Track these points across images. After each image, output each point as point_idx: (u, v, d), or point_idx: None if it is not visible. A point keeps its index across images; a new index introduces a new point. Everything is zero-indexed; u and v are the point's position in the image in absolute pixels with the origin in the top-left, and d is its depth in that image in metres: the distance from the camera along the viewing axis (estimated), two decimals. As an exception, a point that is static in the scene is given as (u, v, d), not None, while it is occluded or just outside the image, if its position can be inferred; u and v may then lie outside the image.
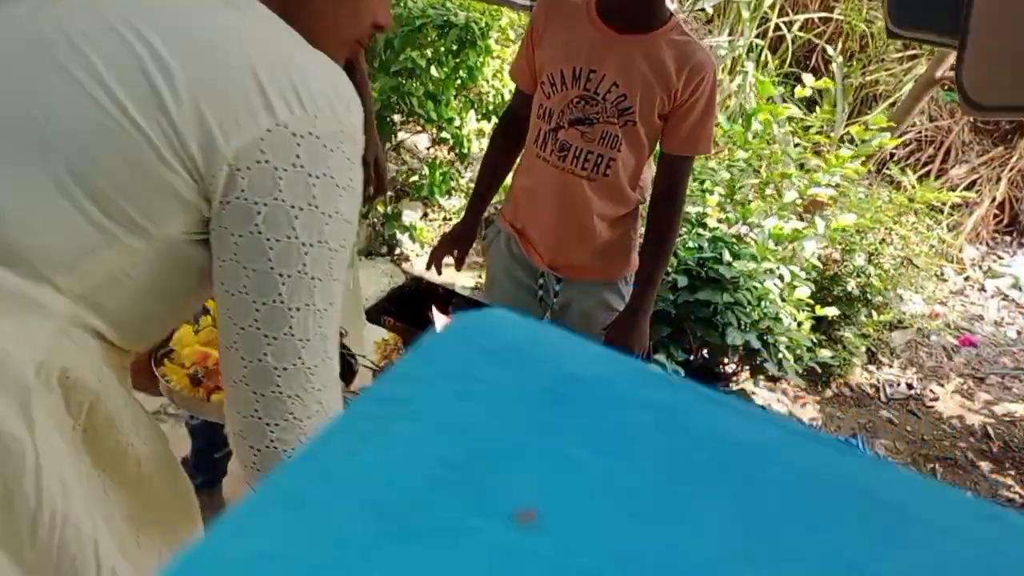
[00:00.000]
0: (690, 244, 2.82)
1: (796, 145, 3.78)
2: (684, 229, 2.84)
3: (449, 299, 1.53)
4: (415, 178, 3.40)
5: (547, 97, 1.61)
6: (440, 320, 1.50)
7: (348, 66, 2.14)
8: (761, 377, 2.99)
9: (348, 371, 1.48)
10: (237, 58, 0.65)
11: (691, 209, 2.93)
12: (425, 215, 3.80)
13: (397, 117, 3.18)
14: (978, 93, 1.72)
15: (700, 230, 2.83)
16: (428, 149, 4.04)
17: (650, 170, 1.76)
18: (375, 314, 1.50)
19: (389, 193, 3.86)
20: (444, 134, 3.21)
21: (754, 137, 3.11)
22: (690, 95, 1.55)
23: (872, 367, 3.33)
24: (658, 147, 1.68)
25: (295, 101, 0.65)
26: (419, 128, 3.57)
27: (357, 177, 0.71)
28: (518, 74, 1.72)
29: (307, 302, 0.69)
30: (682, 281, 2.71)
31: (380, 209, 3.55)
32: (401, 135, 3.81)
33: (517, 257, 1.78)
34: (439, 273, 1.91)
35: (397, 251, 3.62)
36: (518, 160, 1.82)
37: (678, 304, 2.74)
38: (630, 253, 1.78)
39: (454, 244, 1.86)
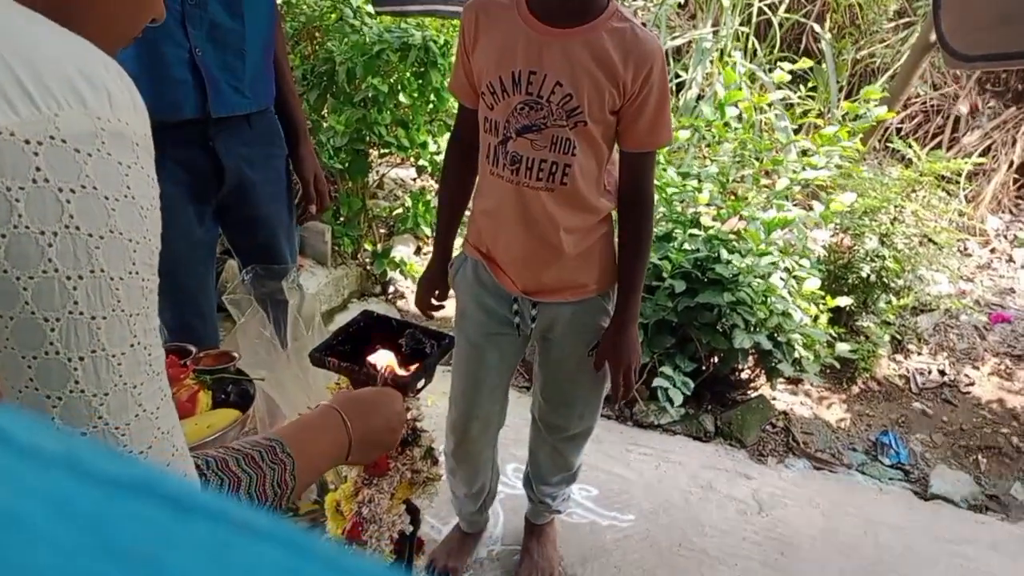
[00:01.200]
0: (685, 246, 2.66)
1: (796, 131, 3.61)
2: (677, 230, 2.69)
3: (402, 331, 1.39)
4: (399, 210, 3.28)
5: (490, 108, 1.47)
6: (381, 358, 1.36)
7: (288, 118, 2.04)
8: (779, 380, 2.80)
9: (246, 397, 1.34)
10: None
11: (682, 209, 2.77)
12: (419, 249, 3.68)
13: (374, 152, 3.08)
14: (960, 42, 1.57)
15: (694, 230, 2.67)
16: (414, 180, 3.94)
17: (614, 172, 1.62)
18: (320, 355, 1.37)
19: (382, 230, 3.78)
20: (421, 161, 3.10)
21: (742, 126, 2.94)
22: (641, 85, 1.41)
23: (899, 356, 3.12)
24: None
25: (22, 98, 0.51)
26: (398, 161, 3.47)
27: (140, 185, 0.57)
28: (458, 90, 1.58)
29: (92, 348, 0.56)
30: (680, 286, 2.55)
31: (369, 248, 3.44)
32: (382, 168, 3.71)
33: (487, 284, 1.64)
34: (431, 318, 1.82)
35: (391, 289, 3.51)
36: (476, 182, 1.70)
37: (679, 311, 2.58)
38: (608, 264, 1.64)
39: (432, 287, 1.75)
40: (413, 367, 1.35)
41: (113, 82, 0.55)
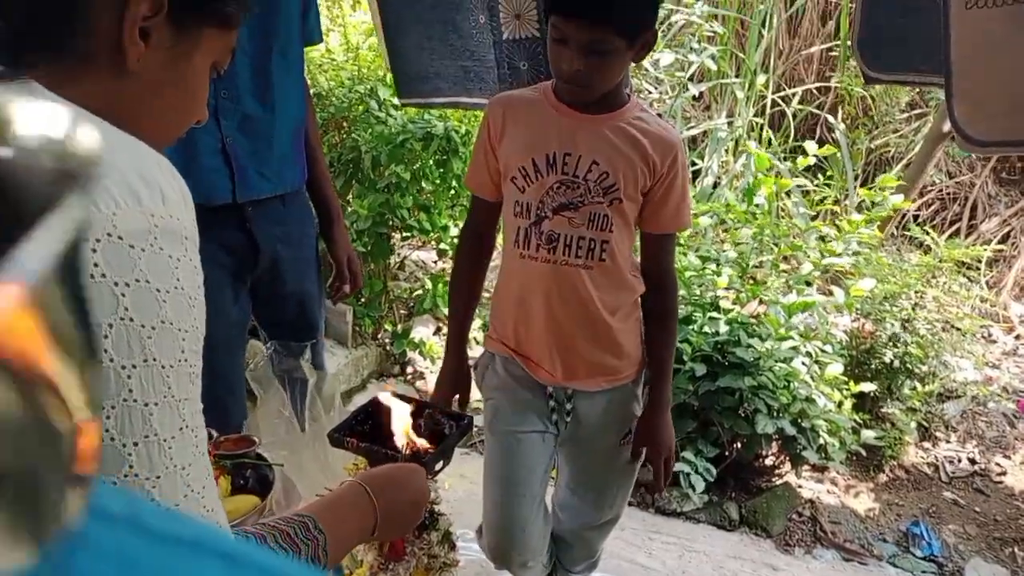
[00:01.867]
0: (705, 329, 2.66)
1: (813, 218, 3.65)
2: (696, 314, 2.69)
3: (421, 412, 1.40)
4: (419, 292, 3.33)
5: (521, 191, 1.50)
6: (399, 422, 1.36)
7: (320, 200, 2.10)
8: (805, 467, 2.74)
9: (264, 483, 1.33)
10: None
11: (701, 292, 2.78)
12: (438, 330, 3.71)
13: (396, 235, 3.15)
14: (974, 128, 1.61)
15: (714, 313, 2.68)
16: (435, 262, 4.00)
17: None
18: (339, 435, 1.37)
19: (402, 311, 3.82)
20: (442, 244, 3.16)
21: (759, 212, 2.99)
22: (668, 169, 1.48)
23: (927, 444, 3.05)
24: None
25: None
26: (419, 243, 3.53)
27: (188, 276, 0.60)
28: (477, 183, 1.61)
29: (145, 434, 0.58)
30: (700, 369, 2.54)
31: (389, 328, 3.47)
32: (404, 251, 3.78)
33: (520, 379, 1.62)
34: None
35: (410, 370, 3.51)
36: (487, 276, 1.72)
37: (700, 395, 2.56)
38: (639, 349, 1.64)
39: (454, 388, 1.70)
40: (432, 448, 1.35)
41: (166, 180, 0.59)
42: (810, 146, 3.02)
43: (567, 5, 1.33)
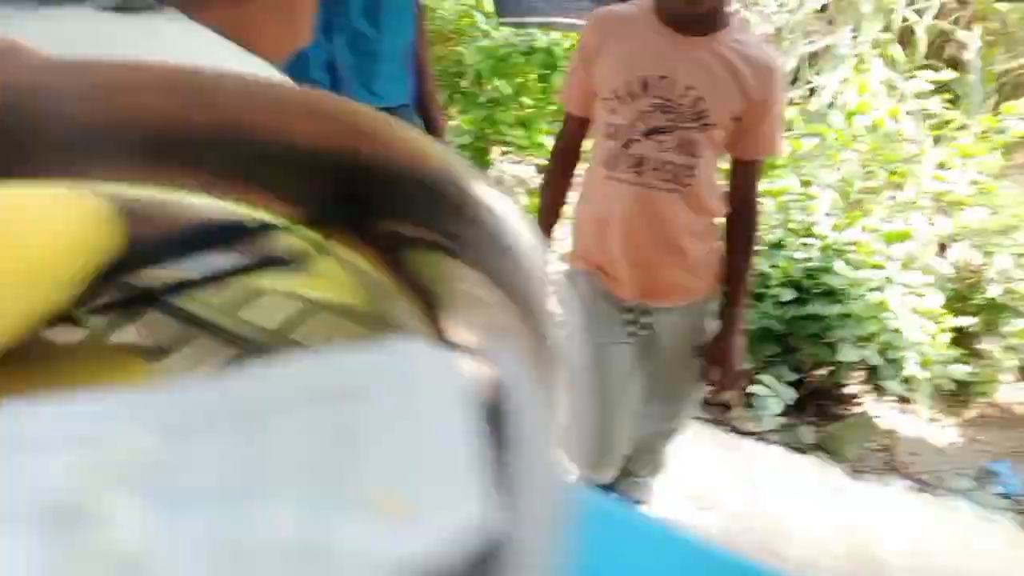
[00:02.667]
0: (797, 255, 2.65)
1: (936, 143, 3.47)
2: (789, 238, 2.68)
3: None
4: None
5: (613, 112, 1.53)
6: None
7: (426, 117, 2.18)
8: (888, 397, 2.74)
9: None
10: None
11: (797, 216, 2.76)
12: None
13: (496, 149, 3.24)
14: None
15: (807, 239, 2.66)
16: (533, 178, 4.08)
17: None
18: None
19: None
20: (541, 160, 3.23)
21: (868, 135, 2.88)
22: (764, 96, 1.48)
23: (1025, 384, 2.96)
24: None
25: None
26: (518, 159, 3.61)
27: None
28: (571, 99, 1.64)
29: None
30: (787, 295, 2.55)
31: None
32: (503, 165, 3.88)
33: (601, 294, 1.68)
34: None
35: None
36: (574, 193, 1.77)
37: (786, 320, 2.58)
38: (716, 271, 1.69)
39: None
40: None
41: None
42: (925, 74, 2.86)
43: None
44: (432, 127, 2.13)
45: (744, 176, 1.59)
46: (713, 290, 1.68)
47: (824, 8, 4.20)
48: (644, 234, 1.57)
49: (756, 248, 1.67)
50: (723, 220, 1.64)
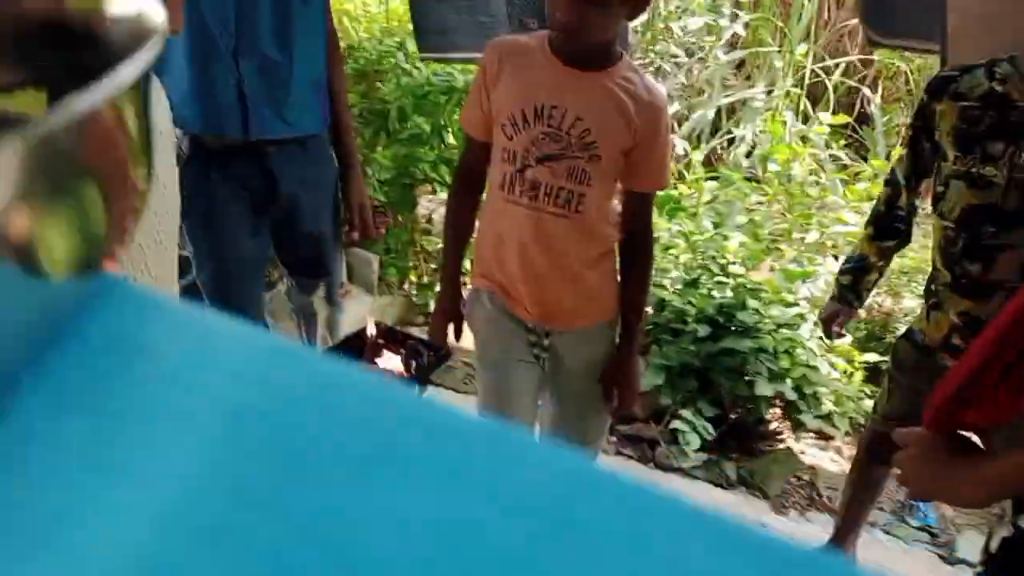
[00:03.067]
0: (713, 293, 2.70)
1: (843, 188, 3.62)
2: (704, 276, 2.73)
3: (404, 342, 1.50)
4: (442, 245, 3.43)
5: (509, 138, 1.58)
6: (388, 361, 1.46)
7: (340, 146, 2.16)
8: (808, 434, 2.77)
9: None
10: None
11: (711, 255, 2.82)
12: (464, 284, 3.81)
13: (422, 188, 3.24)
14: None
15: (721, 277, 2.71)
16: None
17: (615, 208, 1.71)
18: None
19: (431, 266, 3.93)
20: (466, 199, 3.24)
21: (777, 181, 2.99)
22: (650, 131, 1.54)
23: (938, 420, 3.04)
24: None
25: None
26: (443, 198, 3.63)
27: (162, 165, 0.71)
28: (471, 123, 1.68)
29: None
30: (703, 331, 2.58)
31: (414, 279, 3.59)
32: (432, 205, 3.88)
33: (504, 310, 1.71)
34: (445, 343, 1.85)
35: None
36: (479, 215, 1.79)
37: (702, 356, 2.61)
38: (613, 295, 1.72)
39: (448, 318, 1.80)
40: (405, 373, 1.45)
41: None
42: (823, 116, 3.00)
43: None
44: (344, 157, 2.11)
45: (635, 206, 1.64)
46: (610, 315, 1.71)
47: (741, 64, 4.40)
48: (539, 258, 1.60)
49: (650, 276, 1.72)
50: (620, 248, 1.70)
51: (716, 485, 2.60)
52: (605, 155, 1.52)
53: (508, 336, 1.72)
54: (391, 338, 1.53)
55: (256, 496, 0.17)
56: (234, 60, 1.81)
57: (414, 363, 1.47)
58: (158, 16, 0.30)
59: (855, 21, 4.25)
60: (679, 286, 2.70)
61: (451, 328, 1.80)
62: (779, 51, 4.00)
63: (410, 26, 3.11)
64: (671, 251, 2.85)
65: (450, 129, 2.89)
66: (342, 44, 3.11)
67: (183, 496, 0.17)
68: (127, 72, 0.25)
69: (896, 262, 2.98)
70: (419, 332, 3.55)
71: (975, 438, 1.03)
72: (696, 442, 2.55)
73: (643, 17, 3.51)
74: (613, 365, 1.72)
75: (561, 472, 0.19)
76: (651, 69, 3.82)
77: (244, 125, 1.84)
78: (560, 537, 0.19)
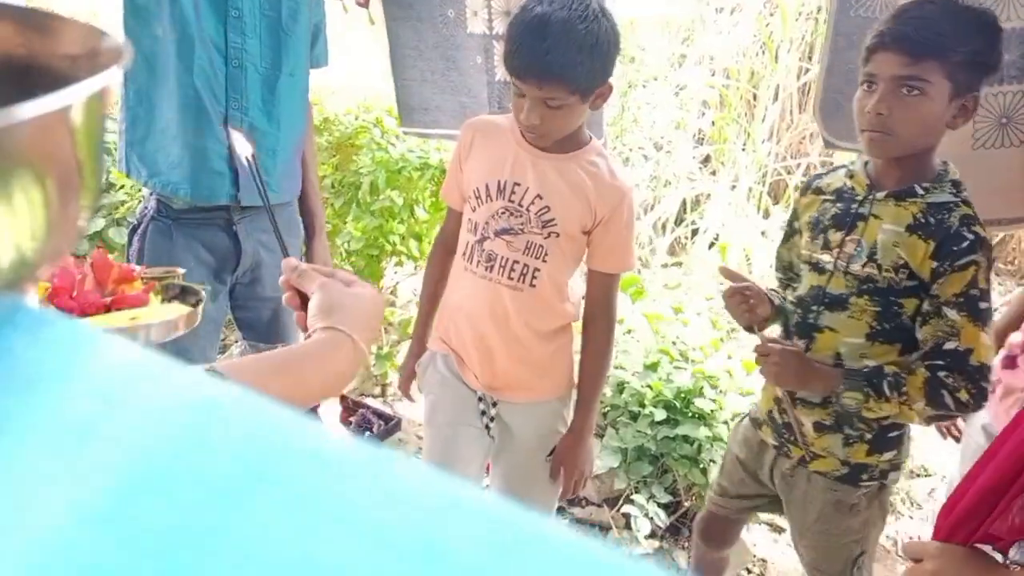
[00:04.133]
0: (671, 377, 2.72)
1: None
2: (664, 360, 2.76)
3: (355, 410, 1.49)
4: (405, 317, 3.44)
5: (473, 210, 1.65)
6: (337, 430, 1.45)
7: (308, 213, 2.20)
8: (762, 526, 2.76)
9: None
10: None
11: (671, 340, 2.86)
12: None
13: (389, 260, 3.27)
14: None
15: (680, 363, 2.74)
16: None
17: (577, 288, 1.76)
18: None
19: (393, 337, 3.92)
20: (433, 273, 3.27)
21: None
22: (612, 212, 1.59)
23: (890, 518, 3.05)
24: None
25: None
26: (413, 271, 3.65)
27: None
28: (448, 194, 1.78)
29: None
30: (660, 415, 2.60)
31: (374, 349, 3.57)
32: (399, 278, 3.91)
33: (456, 375, 1.75)
34: (413, 400, 1.94)
35: (391, 390, 3.60)
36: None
37: (658, 440, 2.61)
38: (566, 372, 1.74)
39: (409, 376, 1.88)
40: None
41: None
42: (776, 210, 3.11)
43: (519, 69, 1.45)
44: (310, 222, 2.15)
45: (596, 285, 1.67)
46: (561, 392, 1.72)
47: (707, 159, 4.56)
48: (491, 328, 1.64)
49: (608, 356, 1.72)
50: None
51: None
52: (563, 233, 1.57)
53: (459, 401, 1.74)
54: (344, 406, 1.52)
55: (100, 515, 0.17)
56: (225, 130, 1.86)
57: (364, 432, 1.46)
58: (115, 50, 0.32)
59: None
60: (639, 369, 2.73)
61: (414, 385, 1.86)
62: (743, 149, 4.17)
63: (387, 103, 3.21)
64: (631, 333, 2.89)
65: (422, 204, 2.95)
66: (319, 117, 3.19)
67: (15, 513, 0.17)
68: (78, 90, 0.26)
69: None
70: (374, 403, 3.52)
71: (986, 548, 1.04)
72: (647, 528, 2.53)
73: (612, 111, 3.65)
74: (563, 444, 1.72)
75: (438, 505, 0.20)
76: (620, 159, 3.95)
77: (235, 192, 1.88)
78: (426, 572, 0.19)
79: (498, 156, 1.62)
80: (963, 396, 1.35)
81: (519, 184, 1.58)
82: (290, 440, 0.19)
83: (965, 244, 1.36)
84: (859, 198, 1.49)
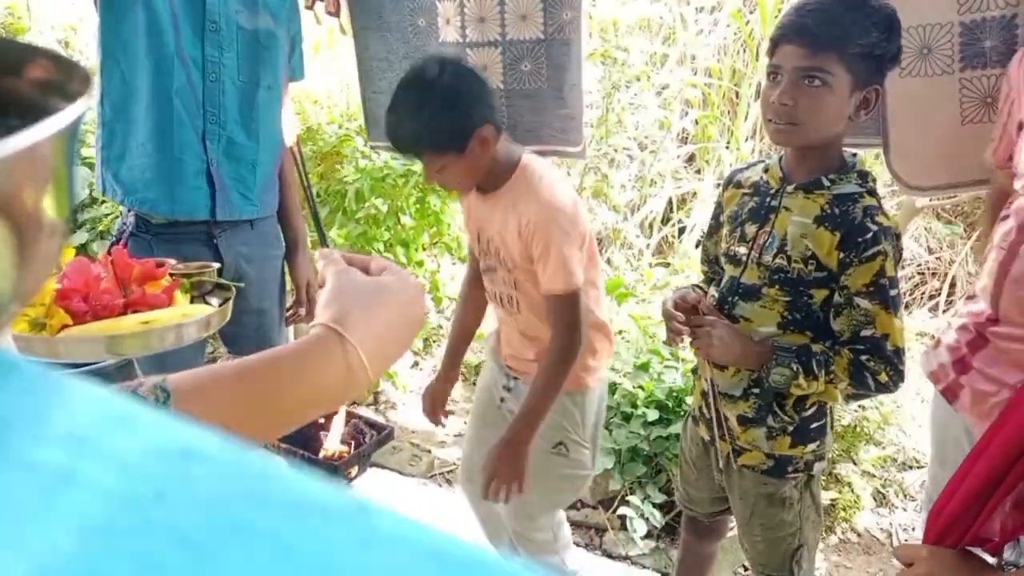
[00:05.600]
0: (662, 378, 2.72)
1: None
2: (654, 360, 2.76)
3: (349, 420, 1.49)
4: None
5: (473, 251, 1.88)
6: (331, 440, 1.44)
7: (288, 226, 2.22)
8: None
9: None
10: None
11: (663, 338, 2.86)
12: (416, 364, 3.78)
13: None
14: (913, 177, 1.84)
15: (671, 362, 2.74)
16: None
17: None
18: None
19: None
20: (422, 280, 3.26)
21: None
22: (540, 238, 1.61)
23: (884, 510, 3.06)
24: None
25: None
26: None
27: None
28: (468, 234, 1.93)
29: None
30: (652, 415, 2.60)
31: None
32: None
33: (494, 347, 1.96)
34: (436, 423, 2.01)
35: (383, 399, 3.58)
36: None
37: (651, 440, 2.61)
38: (576, 369, 1.74)
39: (434, 398, 2.00)
40: (348, 453, 1.43)
41: None
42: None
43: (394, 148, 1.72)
44: (292, 236, 2.14)
45: (551, 308, 1.68)
46: (570, 386, 1.76)
47: (691, 158, 4.57)
48: (511, 333, 1.87)
49: (557, 372, 1.68)
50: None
51: (663, 574, 2.56)
52: (515, 266, 1.68)
53: (493, 369, 1.95)
54: (336, 416, 1.51)
55: (67, 570, 0.16)
56: (203, 144, 1.84)
57: (355, 442, 1.45)
58: (84, 80, 0.32)
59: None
60: (630, 370, 2.72)
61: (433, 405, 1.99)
62: (727, 147, 4.18)
63: (371, 111, 3.20)
64: (621, 334, 2.89)
65: (408, 211, 2.94)
66: (303, 126, 3.17)
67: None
68: (49, 125, 0.26)
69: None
70: (366, 412, 3.50)
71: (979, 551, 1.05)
72: (643, 529, 2.52)
73: (596, 112, 3.66)
74: (492, 449, 1.70)
75: (416, 553, 0.19)
76: (606, 161, 3.96)
77: (212, 207, 1.87)
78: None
79: (468, 207, 1.81)
80: (882, 378, 1.41)
81: (483, 230, 1.73)
82: (267, 488, 0.19)
83: (869, 235, 1.38)
84: (773, 191, 1.52)
